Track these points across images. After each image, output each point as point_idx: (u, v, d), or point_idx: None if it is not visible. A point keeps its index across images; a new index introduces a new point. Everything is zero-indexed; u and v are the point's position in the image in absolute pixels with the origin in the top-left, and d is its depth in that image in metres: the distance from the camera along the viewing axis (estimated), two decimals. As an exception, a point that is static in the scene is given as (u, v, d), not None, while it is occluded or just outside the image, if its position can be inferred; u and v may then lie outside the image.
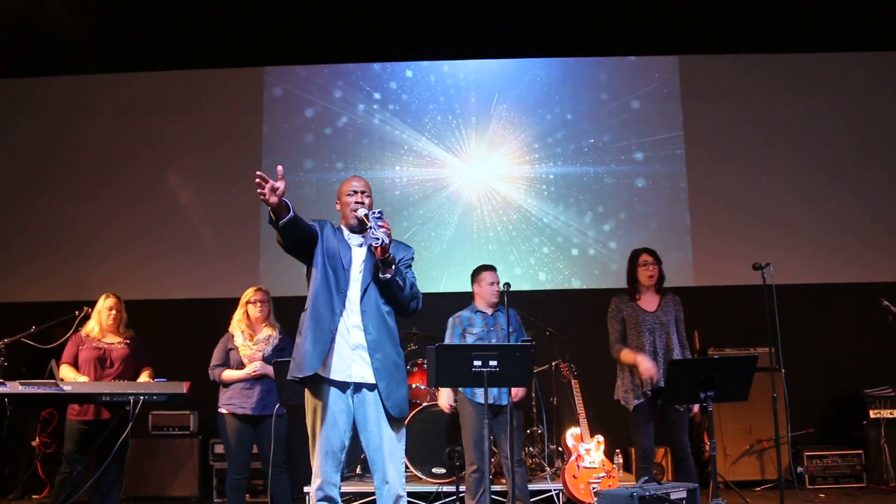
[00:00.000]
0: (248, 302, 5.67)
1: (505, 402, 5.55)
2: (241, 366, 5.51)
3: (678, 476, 5.27)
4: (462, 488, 6.03)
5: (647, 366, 5.17)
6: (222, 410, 5.50)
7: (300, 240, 3.75)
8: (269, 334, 5.60)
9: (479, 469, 5.45)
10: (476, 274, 5.83)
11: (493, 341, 5.53)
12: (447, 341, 5.60)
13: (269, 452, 5.40)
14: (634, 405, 5.23)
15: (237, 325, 5.65)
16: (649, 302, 5.42)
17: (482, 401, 5.33)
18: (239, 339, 5.59)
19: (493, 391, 5.48)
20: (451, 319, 5.75)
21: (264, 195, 3.44)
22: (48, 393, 5.07)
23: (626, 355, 5.30)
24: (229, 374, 5.51)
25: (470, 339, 5.56)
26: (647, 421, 5.25)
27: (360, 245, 3.83)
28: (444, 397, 5.89)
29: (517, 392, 5.61)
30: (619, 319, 5.42)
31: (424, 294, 4.00)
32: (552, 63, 8.61)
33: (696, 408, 5.37)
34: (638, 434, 5.29)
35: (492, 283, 5.71)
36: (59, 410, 6.29)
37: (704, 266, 8.09)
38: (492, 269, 5.82)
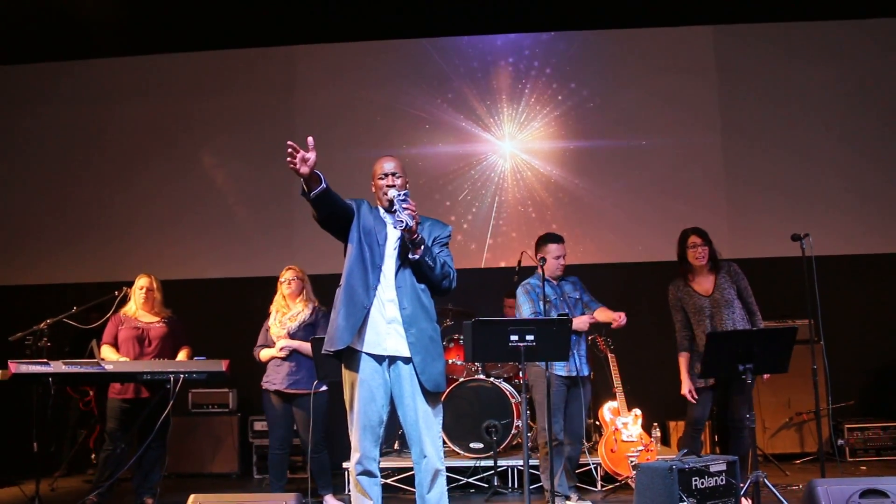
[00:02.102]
0: (280, 281, 5.84)
1: (585, 373, 5.47)
2: (274, 344, 5.67)
3: (730, 446, 5.25)
4: (502, 463, 6.08)
5: (684, 388, 5.24)
6: (263, 387, 5.69)
7: (334, 213, 3.74)
8: (298, 311, 5.71)
9: (560, 441, 5.34)
10: (541, 245, 5.47)
11: (564, 309, 5.36)
12: (527, 307, 5.32)
13: (305, 431, 5.53)
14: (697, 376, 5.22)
15: (274, 304, 5.85)
16: (704, 283, 5.30)
17: (562, 373, 5.34)
18: (272, 318, 5.78)
19: (574, 362, 5.35)
20: (521, 288, 5.42)
21: (295, 165, 3.44)
22: (91, 372, 5.16)
23: (680, 363, 5.31)
24: (265, 352, 5.70)
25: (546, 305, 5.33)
26: (707, 391, 5.22)
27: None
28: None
29: (619, 319, 5.28)
30: (678, 308, 5.34)
31: (459, 270, 3.99)
32: (584, 36, 8.50)
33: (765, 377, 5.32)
34: (691, 404, 5.27)
35: (557, 257, 5.39)
36: (101, 389, 6.39)
37: (741, 238, 7.95)
38: (558, 240, 5.46)
